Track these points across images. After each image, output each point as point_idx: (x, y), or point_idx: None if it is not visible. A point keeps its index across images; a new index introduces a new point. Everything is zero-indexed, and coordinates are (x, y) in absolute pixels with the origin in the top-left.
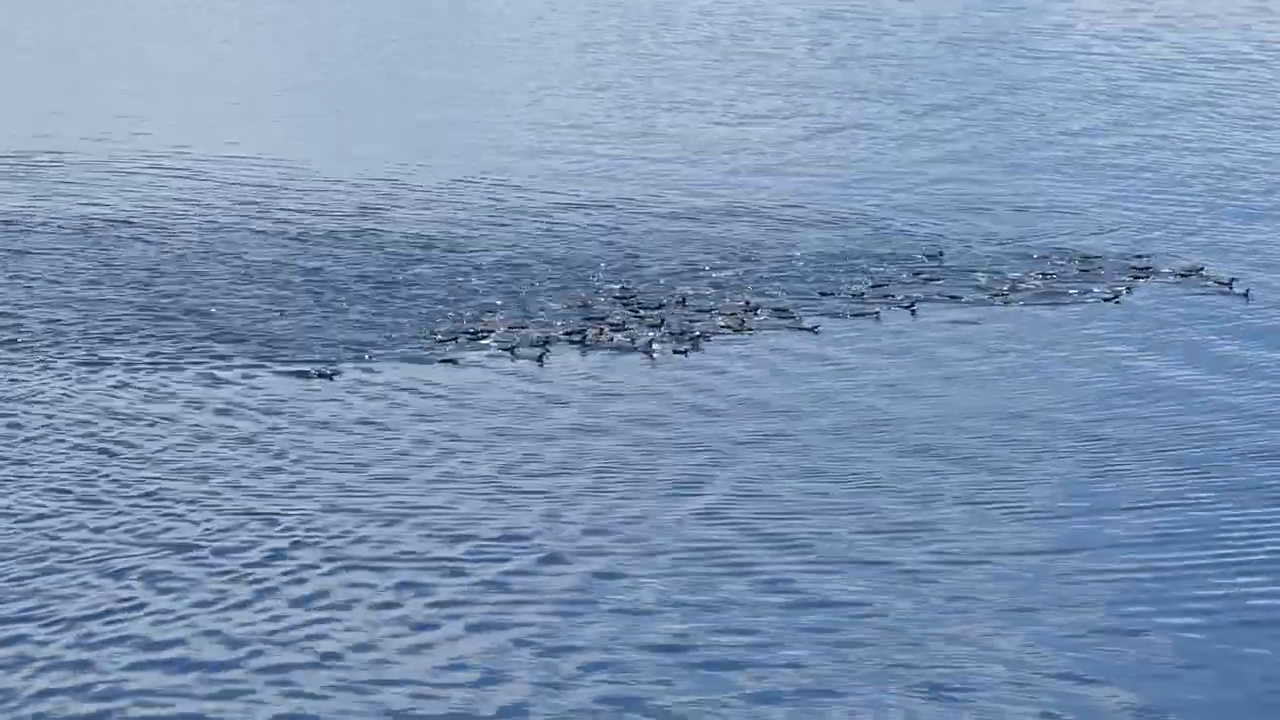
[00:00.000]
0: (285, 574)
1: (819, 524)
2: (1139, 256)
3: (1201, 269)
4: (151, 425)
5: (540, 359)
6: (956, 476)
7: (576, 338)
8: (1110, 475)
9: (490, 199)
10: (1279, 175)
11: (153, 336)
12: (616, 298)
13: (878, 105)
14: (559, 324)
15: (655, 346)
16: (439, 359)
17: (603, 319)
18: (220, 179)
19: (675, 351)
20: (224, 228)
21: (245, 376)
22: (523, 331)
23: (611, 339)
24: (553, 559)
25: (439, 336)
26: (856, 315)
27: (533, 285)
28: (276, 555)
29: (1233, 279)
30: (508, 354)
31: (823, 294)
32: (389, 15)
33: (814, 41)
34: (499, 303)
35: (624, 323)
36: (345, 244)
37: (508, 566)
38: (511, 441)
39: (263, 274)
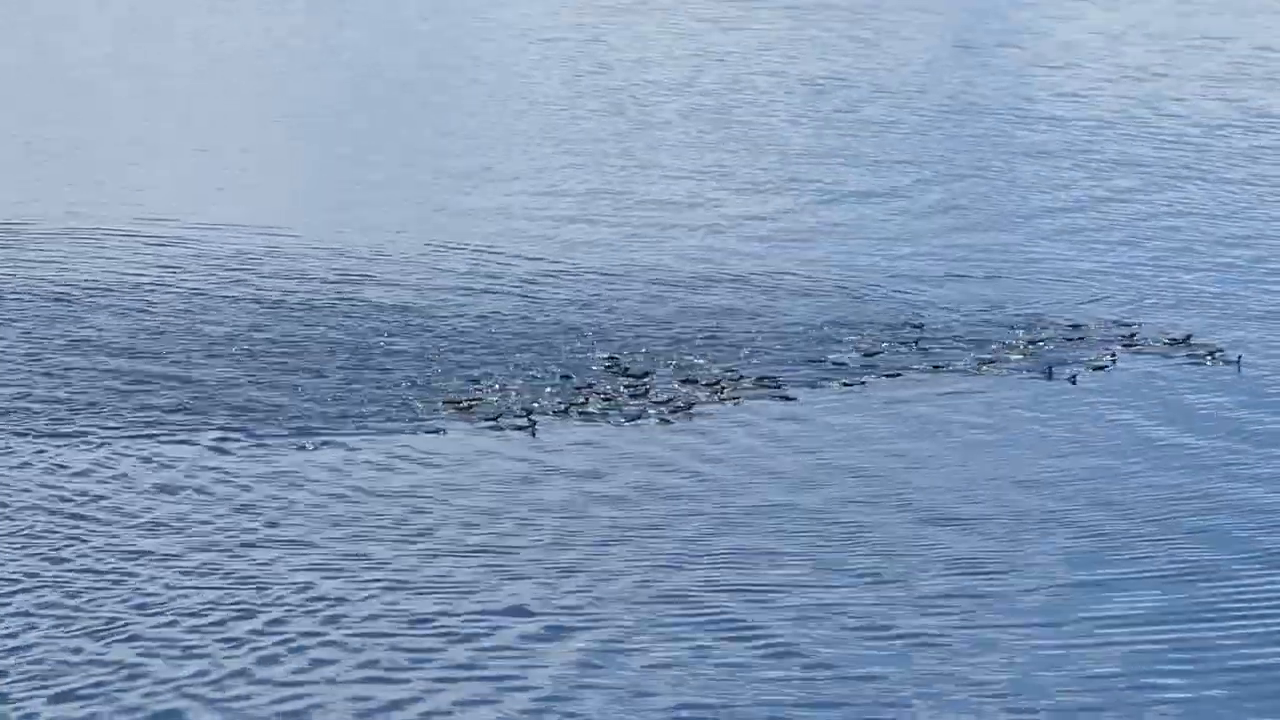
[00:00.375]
0: (279, 643)
1: (824, 592)
2: (1126, 325)
3: (1189, 337)
4: (126, 494)
5: (531, 429)
6: (960, 545)
7: (563, 407)
8: (1114, 546)
9: (470, 265)
10: (1269, 242)
11: (126, 407)
12: (606, 366)
13: (861, 172)
14: (548, 391)
15: (650, 413)
16: (424, 429)
17: (589, 387)
18: (196, 244)
19: (662, 420)
20: (202, 294)
21: (223, 448)
22: (509, 401)
23: (602, 408)
24: (553, 629)
25: (426, 406)
26: (844, 385)
27: (517, 353)
28: (267, 625)
29: (1222, 349)
30: (493, 424)
31: (809, 361)
32: (373, 75)
33: (798, 109)
34: (487, 371)
35: (614, 392)
36: (322, 312)
37: (507, 635)
38: (505, 512)
39: (240, 341)
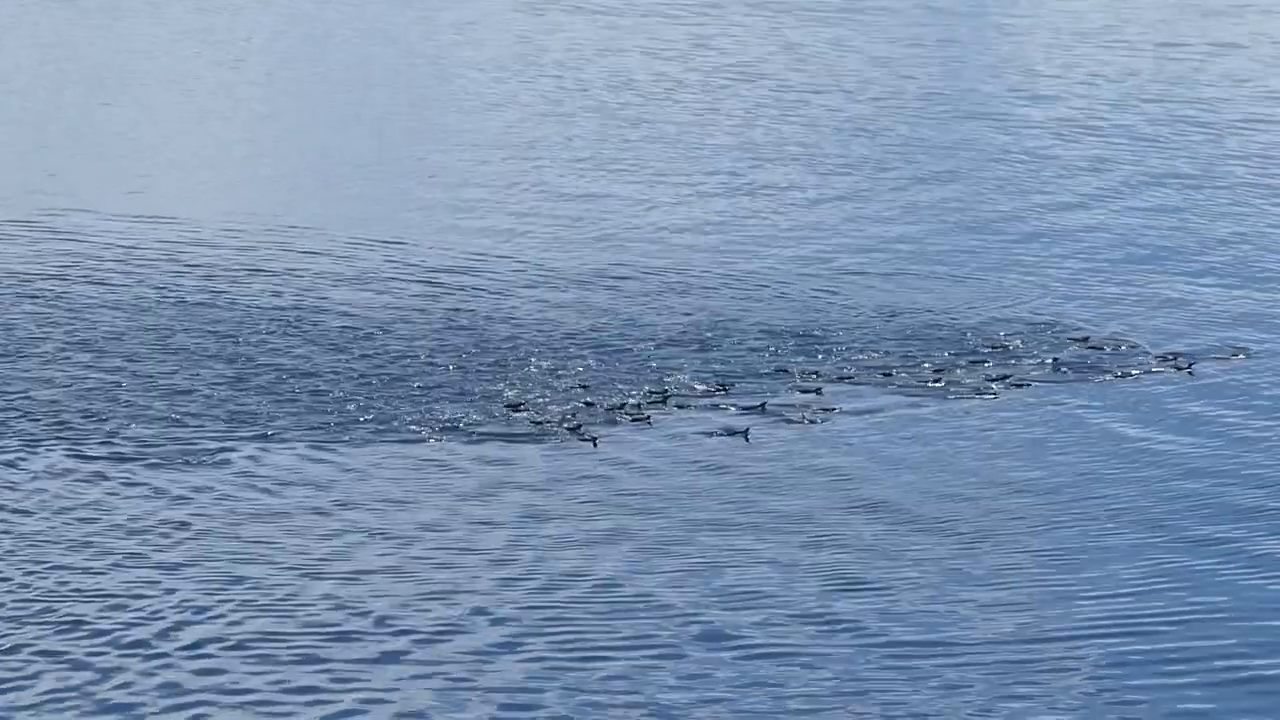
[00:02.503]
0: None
1: (829, 604)
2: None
3: (1177, 354)
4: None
5: (594, 440)
6: (953, 556)
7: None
8: (1102, 557)
9: (445, 272)
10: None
11: (112, 417)
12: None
13: (835, 177)
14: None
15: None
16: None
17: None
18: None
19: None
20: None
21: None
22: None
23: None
24: (583, 639)
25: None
26: (816, 394)
27: (521, 359)
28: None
29: (1180, 355)
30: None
31: (779, 370)
32: (354, 77)
33: (778, 114)
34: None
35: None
36: (291, 331)
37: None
38: (516, 524)
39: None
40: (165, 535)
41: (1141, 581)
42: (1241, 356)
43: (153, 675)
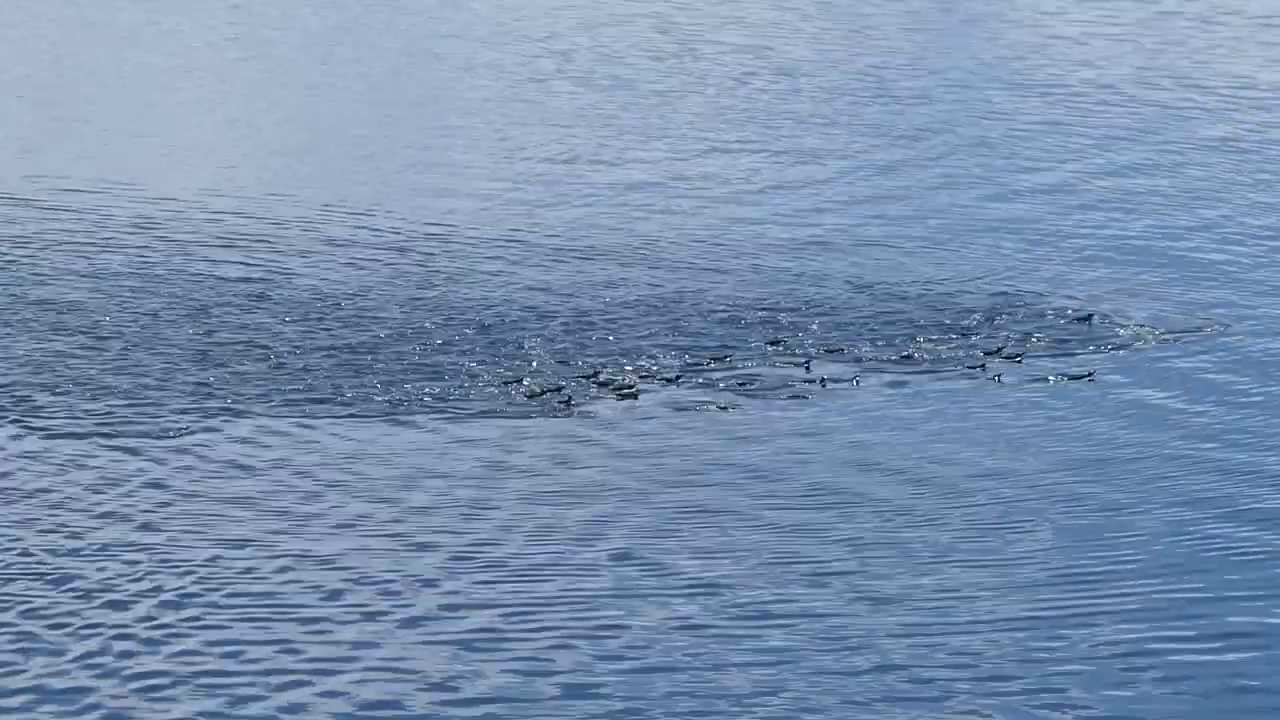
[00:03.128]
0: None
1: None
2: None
3: (1091, 317)
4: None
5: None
6: (933, 540)
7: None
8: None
9: (429, 248)
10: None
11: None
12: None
13: (829, 151)
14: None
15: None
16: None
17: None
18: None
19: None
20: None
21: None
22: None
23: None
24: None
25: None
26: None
27: (498, 331)
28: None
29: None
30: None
31: (769, 344)
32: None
33: (758, 87)
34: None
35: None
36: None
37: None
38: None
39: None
40: (126, 508)
41: (1138, 552)
42: (1217, 327)
43: (124, 650)
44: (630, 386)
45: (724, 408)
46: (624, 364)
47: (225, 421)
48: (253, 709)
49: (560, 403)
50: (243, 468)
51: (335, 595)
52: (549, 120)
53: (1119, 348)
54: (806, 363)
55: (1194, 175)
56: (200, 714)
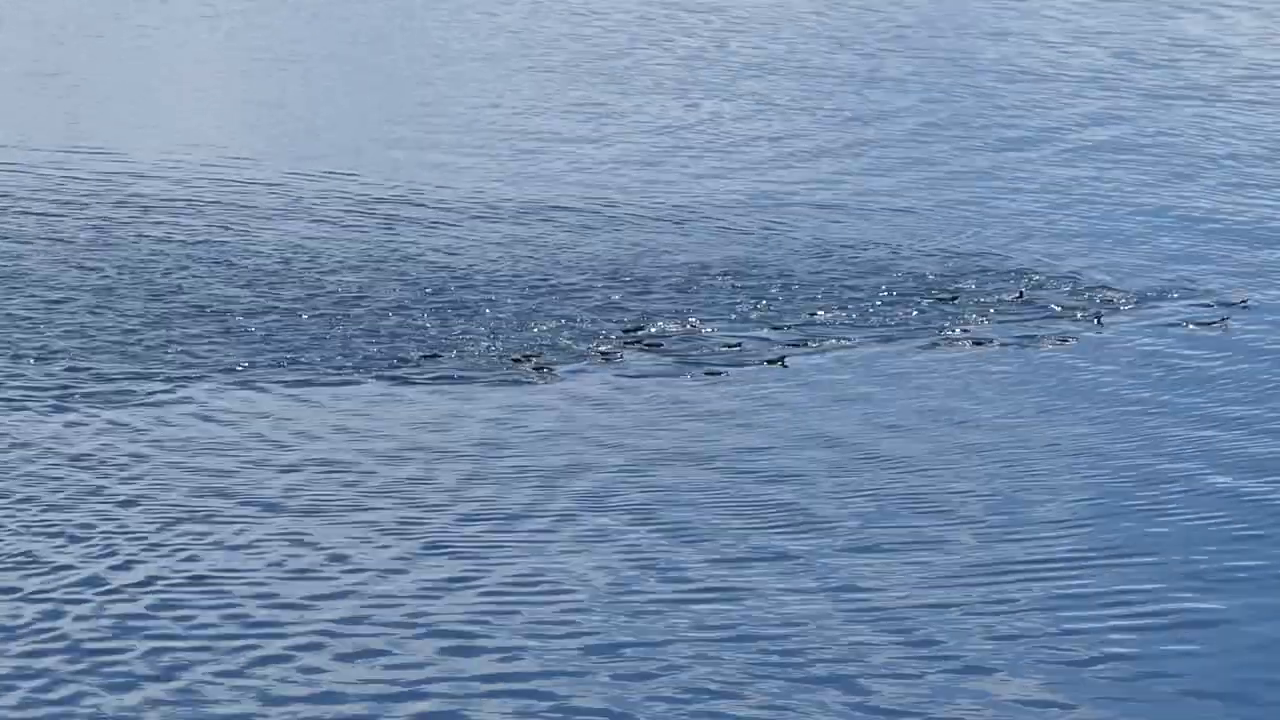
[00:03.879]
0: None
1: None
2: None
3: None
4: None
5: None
6: (910, 495)
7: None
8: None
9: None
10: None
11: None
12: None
13: (780, 112)
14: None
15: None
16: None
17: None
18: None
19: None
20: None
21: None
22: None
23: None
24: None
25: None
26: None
27: (468, 295)
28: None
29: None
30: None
31: (746, 310)
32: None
33: (729, 50)
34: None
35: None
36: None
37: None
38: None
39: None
40: (76, 474)
41: (1094, 517)
42: (1185, 292)
43: (79, 615)
44: (584, 355)
45: (703, 374)
46: (575, 331)
47: (180, 386)
48: (209, 684)
49: (517, 363)
50: (198, 434)
51: (280, 564)
52: (515, 85)
53: (1085, 314)
54: (769, 332)
55: (1155, 134)
56: (142, 677)
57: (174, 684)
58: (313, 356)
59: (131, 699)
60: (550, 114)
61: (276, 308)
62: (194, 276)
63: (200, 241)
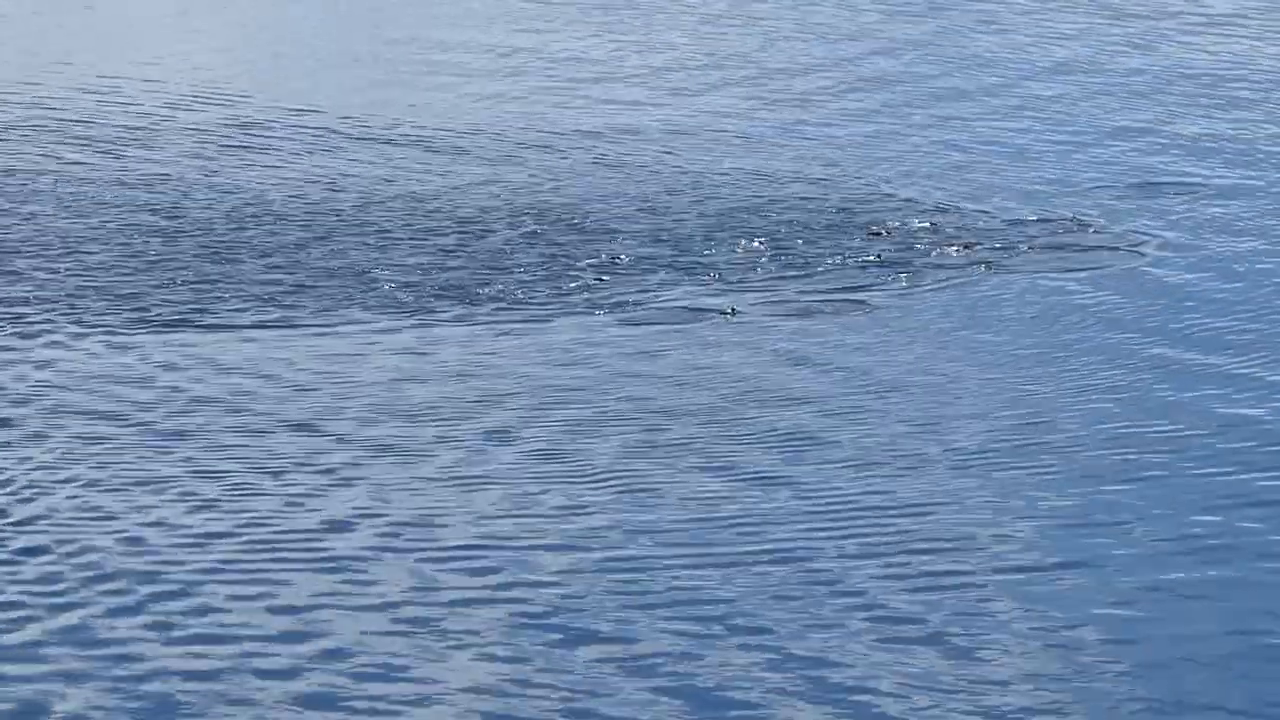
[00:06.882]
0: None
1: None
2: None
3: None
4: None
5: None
6: (862, 450)
7: None
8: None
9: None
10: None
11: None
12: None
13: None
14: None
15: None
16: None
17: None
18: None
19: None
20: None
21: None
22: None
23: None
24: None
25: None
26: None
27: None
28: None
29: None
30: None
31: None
32: None
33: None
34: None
35: None
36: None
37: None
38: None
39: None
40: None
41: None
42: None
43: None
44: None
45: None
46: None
47: (120, 333)
48: (103, 619)
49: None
50: (144, 378)
51: (213, 505)
52: (511, 25)
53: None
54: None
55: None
56: (34, 609)
57: (67, 617)
58: (280, 297)
59: (27, 634)
60: (533, 53)
61: (248, 245)
62: (152, 212)
63: (158, 175)
